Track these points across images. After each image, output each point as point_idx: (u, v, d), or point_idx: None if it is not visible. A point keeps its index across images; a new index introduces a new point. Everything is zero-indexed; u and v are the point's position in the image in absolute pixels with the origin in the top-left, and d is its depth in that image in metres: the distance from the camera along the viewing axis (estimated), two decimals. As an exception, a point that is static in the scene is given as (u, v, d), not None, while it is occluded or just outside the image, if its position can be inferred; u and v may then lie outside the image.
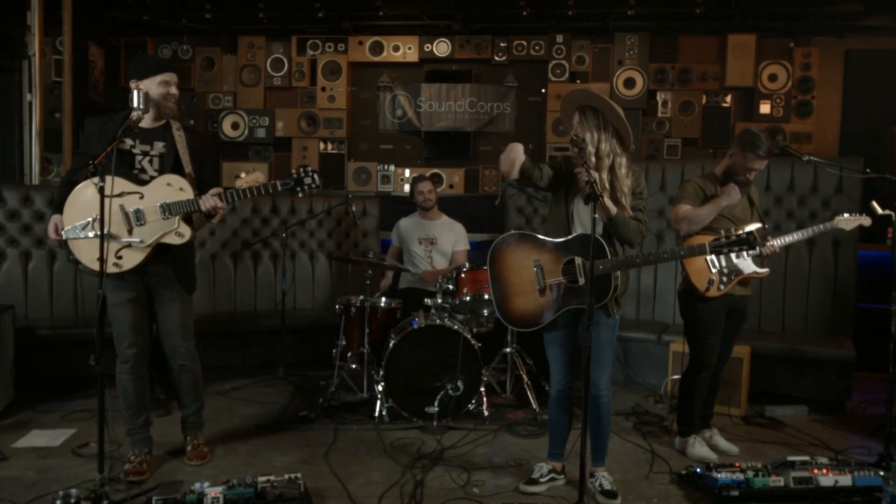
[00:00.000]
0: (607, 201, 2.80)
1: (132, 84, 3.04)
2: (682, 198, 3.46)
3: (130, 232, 3.00)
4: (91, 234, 2.93)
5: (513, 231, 3.08)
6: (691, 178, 3.59)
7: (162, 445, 3.51)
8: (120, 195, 2.96)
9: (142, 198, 3.01)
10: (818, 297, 4.71)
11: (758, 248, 2.96)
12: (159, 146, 3.13)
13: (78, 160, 3.14)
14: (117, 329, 3.11)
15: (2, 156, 5.60)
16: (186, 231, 3.08)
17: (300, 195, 3.15)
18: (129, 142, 3.07)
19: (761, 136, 3.33)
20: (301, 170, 3.12)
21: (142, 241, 3.00)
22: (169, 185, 3.05)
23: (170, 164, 3.12)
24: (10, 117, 5.58)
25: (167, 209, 3.02)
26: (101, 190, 2.69)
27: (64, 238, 3.01)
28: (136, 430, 3.23)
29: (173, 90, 3.09)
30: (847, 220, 3.54)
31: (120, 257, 2.98)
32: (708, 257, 3.42)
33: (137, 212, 3.01)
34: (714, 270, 3.42)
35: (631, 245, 2.92)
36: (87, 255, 2.98)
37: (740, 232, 2.79)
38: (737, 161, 3.39)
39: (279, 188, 3.09)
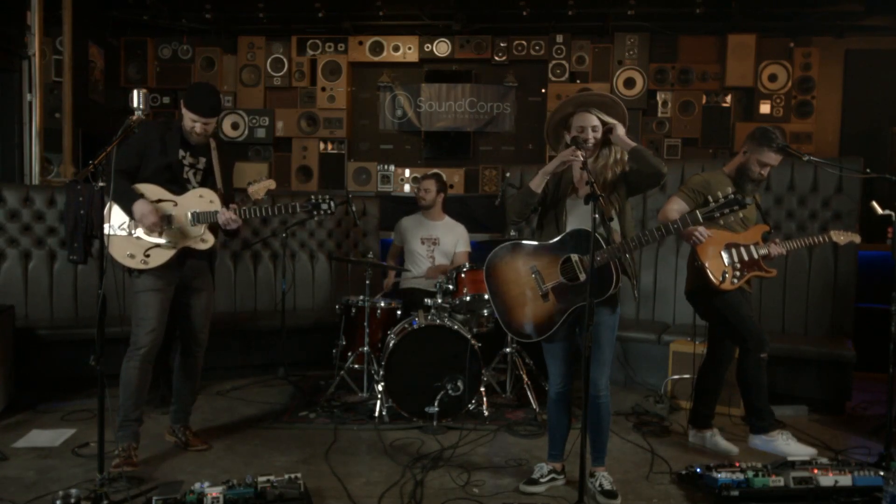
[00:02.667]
0: (621, 134, 2.82)
1: (182, 104, 3.30)
2: (681, 191, 3.50)
3: (161, 234, 3.26)
4: (123, 233, 3.24)
5: (504, 243, 3.04)
6: (696, 174, 3.60)
7: (162, 445, 3.52)
8: (158, 201, 3.27)
9: (175, 205, 3.31)
10: (818, 297, 4.71)
11: (747, 206, 2.97)
12: (203, 161, 3.43)
13: (124, 160, 3.19)
14: (141, 314, 3.25)
15: (2, 156, 5.60)
16: (210, 238, 3.37)
17: (315, 218, 3.55)
18: (181, 153, 3.35)
19: (775, 132, 3.41)
20: (319, 196, 3.46)
21: (169, 243, 3.27)
22: (201, 196, 3.36)
23: (209, 178, 3.44)
24: (10, 117, 5.58)
25: (196, 217, 3.32)
26: (102, 190, 2.74)
27: (106, 233, 3.19)
28: (130, 423, 3.27)
29: (198, 129, 3.31)
30: (841, 235, 3.65)
31: (148, 255, 3.25)
32: (722, 251, 3.47)
33: (169, 217, 3.29)
34: (727, 264, 3.46)
35: (660, 174, 2.81)
36: (118, 250, 3.22)
37: (728, 194, 2.77)
38: (751, 157, 3.44)
39: (298, 210, 3.45)
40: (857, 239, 3.71)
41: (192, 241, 3.32)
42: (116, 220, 3.26)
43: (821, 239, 3.64)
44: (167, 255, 3.27)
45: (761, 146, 3.39)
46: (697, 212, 2.82)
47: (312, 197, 3.46)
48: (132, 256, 3.22)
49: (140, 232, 3.23)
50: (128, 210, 3.22)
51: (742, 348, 3.54)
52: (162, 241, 3.26)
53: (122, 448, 3.21)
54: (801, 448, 3.52)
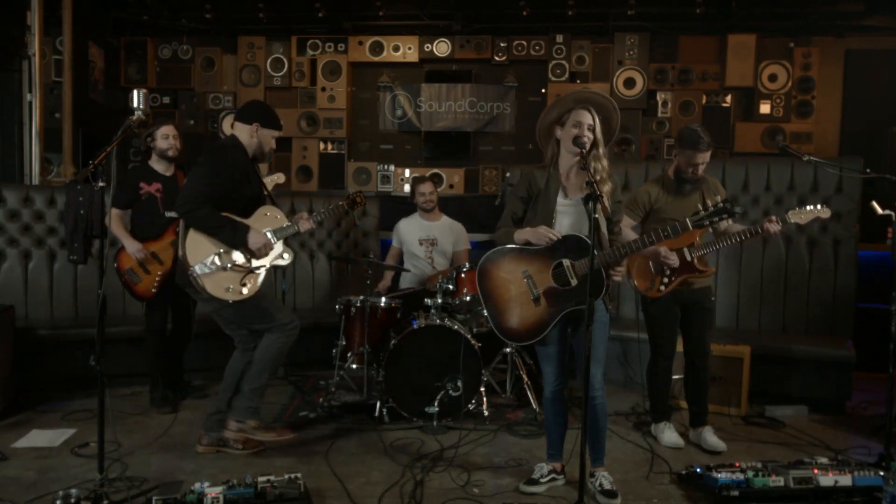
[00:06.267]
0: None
1: (255, 126, 3.33)
2: (627, 206, 3.62)
3: (250, 260, 3.29)
4: (213, 268, 3.20)
5: (496, 247, 3.02)
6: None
7: (163, 445, 3.52)
8: None
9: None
10: (818, 297, 4.71)
11: (736, 214, 2.97)
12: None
13: (200, 191, 3.17)
14: (267, 303, 3.34)
15: (2, 156, 5.61)
16: (289, 253, 3.44)
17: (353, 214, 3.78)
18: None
19: (698, 131, 3.43)
20: (354, 193, 3.77)
21: (261, 267, 3.31)
22: (266, 214, 3.38)
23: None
24: (10, 117, 5.59)
25: (276, 235, 3.36)
26: (102, 190, 2.71)
27: (197, 273, 3.18)
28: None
29: (273, 146, 3.45)
30: (800, 214, 3.46)
31: (244, 284, 3.26)
32: (651, 260, 3.56)
33: None
34: (654, 272, 3.57)
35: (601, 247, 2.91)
36: (215, 286, 3.20)
37: (718, 202, 2.80)
38: (680, 160, 3.50)
39: (345, 206, 3.74)
40: (823, 214, 3.48)
41: (276, 259, 3.36)
42: (199, 256, 3.18)
43: (766, 228, 3.39)
44: (259, 278, 3.31)
45: (684, 148, 3.45)
46: (688, 220, 2.86)
47: (350, 194, 3.72)
48: (228, 290, 3.21)
49: (234, 262, 3.23)
50: (235, 241, 3.21)
51: (650, 351, 3.73)
52: (256, 264, 3.28)
53: (255, 425, 3.39)
54: (675, 438, 3.65)
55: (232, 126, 3.43)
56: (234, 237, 3.21)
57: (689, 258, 3.49)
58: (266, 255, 3.31)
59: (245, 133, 3.33)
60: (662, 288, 3.55)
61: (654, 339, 3.70)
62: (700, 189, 3.54)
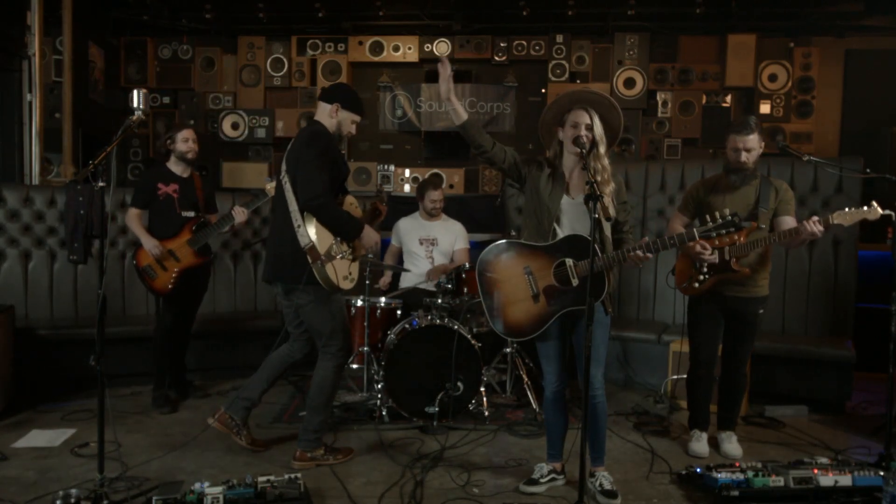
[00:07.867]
0: (606, 201, 2.80)
1: (336, 107, 3.27)
2: (680, 205, 3.66)
3: (348, 250, 3.29)
4: (339, 257, 3.20)
5: (498, 241, 3.03)
6: (693, 180, 3.66)
7: (163, 444, 3.52)
8: None
9: None
10: (818, 297, 4.71)
11: (743, 228, 2.96)
12: None
13: (323, 182, 3.13)
14: (338, 321, 3.30)
15: (2, 156, 5.60)
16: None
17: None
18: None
19: (746, 117, 3.42)
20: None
21: (355, 257, 3.34)
22: (351, 204, 3.40)
23: None
24: (10, 117, 5.58)
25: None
26: (102, 190, 2.73)
27: (322, 263, 3.15)
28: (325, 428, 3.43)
29: (354, 131, 3.39)
30: (846, 216, 3.23)
31: (350, 272, 3.31)
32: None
33: None
34: (695, 268, 3.50)
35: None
36: (334, 274, 3.18)
37: (726, 215, 2.79)
38: (726, 151, 3.48)
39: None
40: (871, 215, 3.18)
41: (362, 249, 3.40)
42: (323, 246, 3.15)
43: (813, 227, 3.20)
44: (356, 267, 3.36)
45: (726, 136, 3.45)
46: (695, 230, 2.86)
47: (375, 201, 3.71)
48: (346, 278, 3.26)
49: (344, 252, 3.24)
50: (353, 234, 3.25)
51: (689, 358, 3.66)
52: (368, 254, 3.34)
53: (325, 453, 3.35)
54: (698, 448, 3.57)
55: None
56: (354, 230, 3.26)
57: (727, 257, 3.38)
58: (372, 248, 3.42)
59: (325, 113, 3.29)
60: (696, 285, 3.47)
61: (691, 343, 3.61)
62: (755, 184, 3.43)
